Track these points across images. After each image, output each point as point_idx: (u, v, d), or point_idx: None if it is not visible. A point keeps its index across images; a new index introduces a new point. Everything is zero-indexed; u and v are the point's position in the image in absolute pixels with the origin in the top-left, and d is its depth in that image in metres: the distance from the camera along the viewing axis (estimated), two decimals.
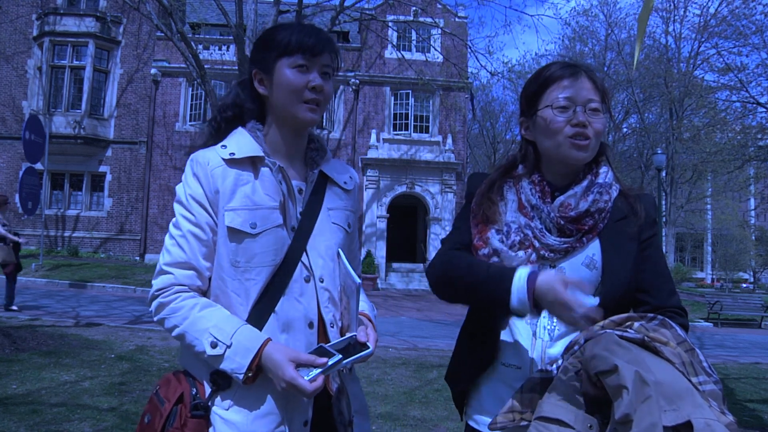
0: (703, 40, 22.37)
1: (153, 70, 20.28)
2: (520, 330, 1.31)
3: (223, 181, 1.26)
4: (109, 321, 8.82)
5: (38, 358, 5.60)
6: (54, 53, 19.75)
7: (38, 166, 15.83)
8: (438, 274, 1.32)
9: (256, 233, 1.25)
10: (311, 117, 1.30)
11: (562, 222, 1.28)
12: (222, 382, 1.23)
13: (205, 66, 13.19)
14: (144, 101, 20.33)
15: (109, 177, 20.15)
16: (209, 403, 1.23)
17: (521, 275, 1.15)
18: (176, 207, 1.31)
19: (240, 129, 1.35)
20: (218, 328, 1.21)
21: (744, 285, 36.52)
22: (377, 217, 20.23)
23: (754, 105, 16.07)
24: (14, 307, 9.06)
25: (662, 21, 24.78)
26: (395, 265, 20.68)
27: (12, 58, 20.11)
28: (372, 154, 20.34)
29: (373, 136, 20.48)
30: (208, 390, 1.25)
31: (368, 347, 1.24)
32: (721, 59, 17.67)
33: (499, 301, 1.16)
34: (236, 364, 1.18)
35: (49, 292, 12.43)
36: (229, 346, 1.19)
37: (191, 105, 20.68)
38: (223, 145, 1.30)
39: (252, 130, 1.34)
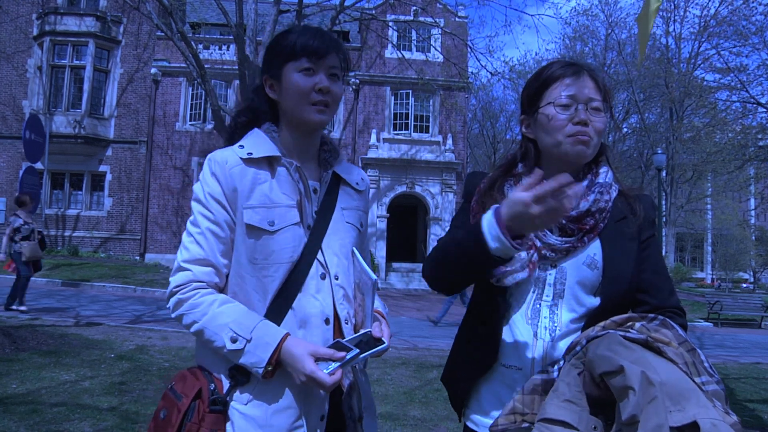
0: (703, 40, 22.36)
1: (153, 70, 20.27)
2: (520, 330, 1.30)
3: (241, 180, 1.29)
4: (109, 320, 8.82)
5: (38, 357, 5.60)
6: (54, 53, 19.74)
7: (38, 165, 15.79)
8: (427, 266, 1.33)
9: (274, 230, 1.28)
10: (320, 118, 1.33)
11: (564, 221, 1.28)
12: (240, 377, 1.25)
13: (205, 66, 13.18)
14: (144, 101, 20.33)
15: (109, 177, 20.14)
16: (227, 398, 1.25)
17: (487, 215, 1.14)
18: (194, 205, 1.33)
19: (256, 130, 1.38)
20: (238, 323, 1.22)
21: (744, 285, 36.52)
22: (377, 217, 20.22)
23: (755, 105, 16.07)
24: (22, 308, 9.02)
25: (662, 21, 24.77)
26: (395, 265, 20.68)
27: (12, 58, 20.11)
28: (372, 153, 20.33)
29: (374, 136, 20.47)
30: (226, 385, 1.26)
31: (383, 342, 1.27)
32: (722, 59, 17.67)
33: (480, 252, 1.13)
34: (256, 358, 1.20)
35: (50, 292, 12.42)
36: (249, 341, 1.21)
37: (191, 105, 20.67)
38: (240, 145, 1.33)
39: (267, 132, 1.37)
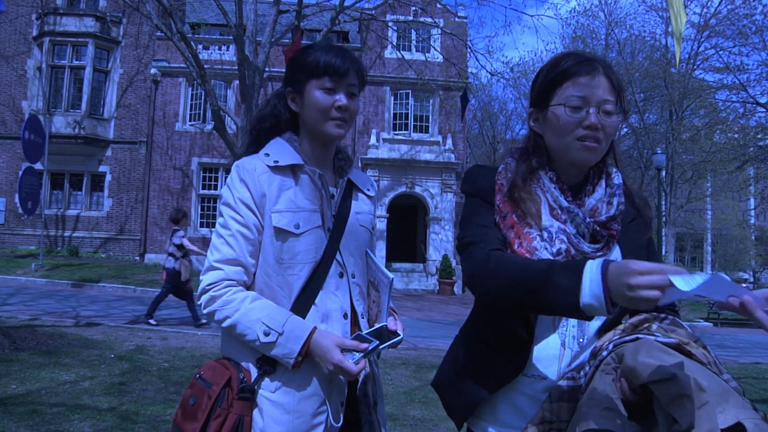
0: (702, 39, 22.35)
1: (153, 70, 20.26)
2: (548, 340, 1.25)
3: (269, 186, 1.39)
4: (109, 321, 8.82)
5: (38, 358, 5.60)
6: (54, 53, 19.72)
7: (38, 166, 15.81)
8: (483, 283, 1.18)
9: (300, 233, 1.39)
10: (338, 132, 1.44)
11: (597, 228, 1.23)
12: (268, 367, 1.35)
13: (205, 66, 13.17)
14: (144, 101, 20.31)
15: (108, 177, 20.12)
16: (255, 387, 1.35)
17: (593, 266, 0.99)
18: (224, 209, 1.42)
19: (279, 139, 1.49)
20: (270, 317, 1.32)
21: (744, 285, 36.49)
22: (377, 217, 20.16)
23: (754, 105, 16.06)
24: (204, 321, 8.88)
25: (662, 21, 24.76)
26: (395, 265, 20.66)
27: (12, 58, 20.09)
28: (372, 154, 20.33)
29: (373, 137, 20.46)
30: (253, 375, 1.36)
31: (399, 334, 1.41)
32: (721, 59, 17.66)
33: (566, 299, 1.01)
34: (288, 350, 1.31)
35: (49, 292, 12.42)
36: (281, 334, 1.31)
37: (191, 105, 20.66)
38: (266, 154, 1.44)
39: (289, 141, 1.48)
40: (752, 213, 34.25)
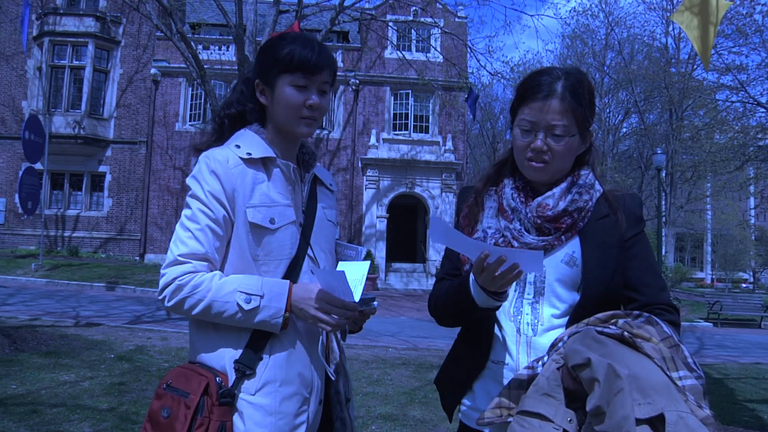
0: None
1: (153, 70, 20.26)
2: (505, 327, 1.36)
3: (242, 180, 1.33)
4: (109, 321, 8.82)
5: (38, 358, 5.60)
6: (54, 53, 19.73)
7: (38, 166, 15.81)
8: (432, 311, 1.48)
9: (275, 228, 1.34)
10: (307, 131, 1.40)
11: (539, 221, 1.33)
12: (246, 368, 1.29)
13: (205, 66, 13.16)
14: (144, 101, 20.32)
15: (108, 177, 20.13)
16: (235, 391, 1.28)
17: (472, 279, 1.26)
18: (192, 201, 1.34)
19: (247, 131, 1.42)
20: (245, 285, 1.28)
21: (744, 285, 36.51)
22: (377, 218, 20.21)
23: (754, 105, 16.05)
24: None
25: (662, 21, 24.76)
26: (395, 265, 20.66)
27: (12, 58, 20.09)
28: (372, 154, 20.32)
29: (373, 137, 20.46)
30: (231, 378, 1.29)
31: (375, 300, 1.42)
32: (721, 59, 17.64)
33: (472, 308, 1.28)
34: (273, 309, 1.27)
35: (49, 292, 12.42)
36: (262, 297, 1.26)
37: (191, 105, 20.66)
38: (236, 145, 1.37)
39: (258, 133, 1.42)
40: (752, 213, 34.24)
